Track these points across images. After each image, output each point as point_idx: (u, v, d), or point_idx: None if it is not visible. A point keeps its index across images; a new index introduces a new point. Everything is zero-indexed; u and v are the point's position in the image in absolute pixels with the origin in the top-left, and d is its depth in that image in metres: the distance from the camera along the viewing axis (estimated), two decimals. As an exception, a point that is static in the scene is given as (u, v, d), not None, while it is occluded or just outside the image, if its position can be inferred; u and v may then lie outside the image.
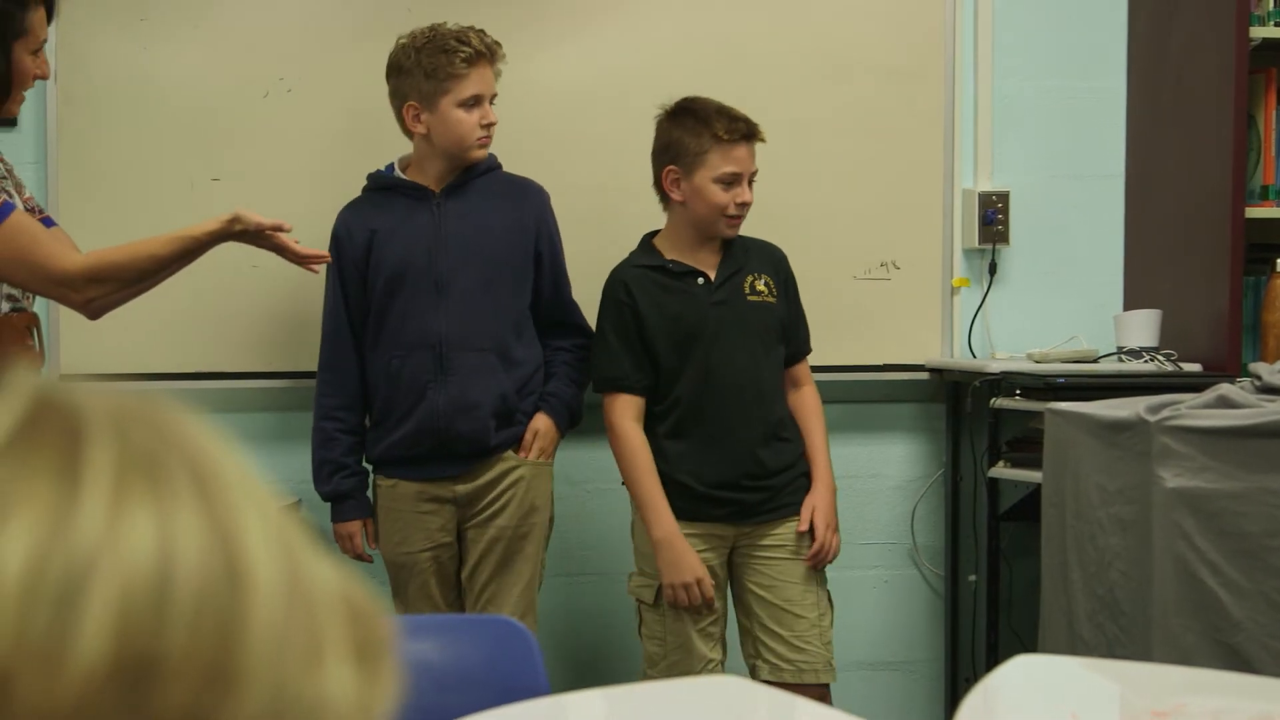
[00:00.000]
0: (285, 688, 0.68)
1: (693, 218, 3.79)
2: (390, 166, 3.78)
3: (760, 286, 3.88)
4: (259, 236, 3.23)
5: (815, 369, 4.04)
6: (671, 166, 3.77)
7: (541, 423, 3.82)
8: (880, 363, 4.50)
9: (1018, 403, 4.13)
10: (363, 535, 3.78)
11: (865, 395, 4.54)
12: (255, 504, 0.70)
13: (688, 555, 3.73)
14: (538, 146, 4.14)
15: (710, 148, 3.73)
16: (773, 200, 4.17)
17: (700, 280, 3.83)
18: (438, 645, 2.49)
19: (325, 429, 3.74)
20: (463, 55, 3.61)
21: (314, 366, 3.93)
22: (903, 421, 4.62)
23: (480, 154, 3.70)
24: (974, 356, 4.55)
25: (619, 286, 3.83)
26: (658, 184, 3.82)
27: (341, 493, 3.74)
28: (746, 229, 3.89)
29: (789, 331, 3.91)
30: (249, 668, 0.67)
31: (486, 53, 3.65)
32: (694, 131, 3.74)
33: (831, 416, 4.07)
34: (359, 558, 3.79)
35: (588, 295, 3.92)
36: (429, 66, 3.61)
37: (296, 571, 0.71)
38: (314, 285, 3.92)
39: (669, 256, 3.83)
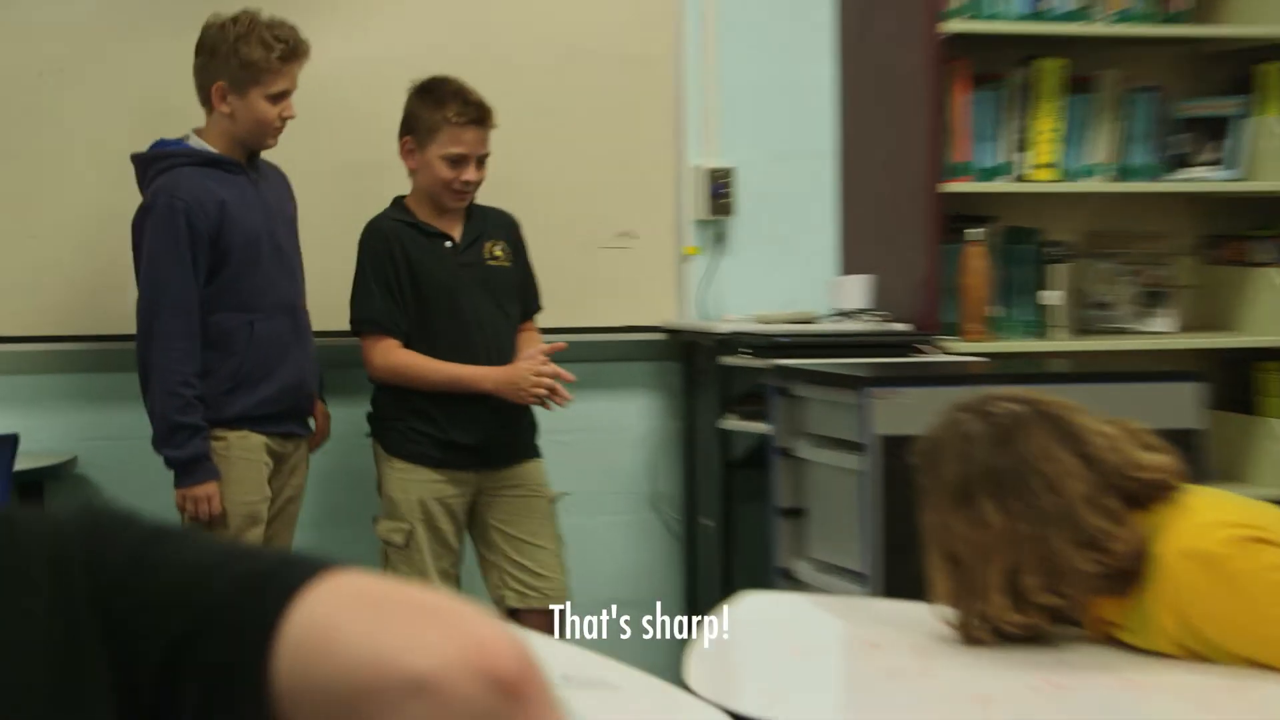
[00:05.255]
0: None
1: (424, 186, 3.84)
2: (184, 139, 3.69)
3: (498, 252, 3.91)
4: None
5: (563, 331, 4.05)
6: (407, 137, 3.82)
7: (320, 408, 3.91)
8: (620, 324, 4.49)
9: (745, 360, 4.10)
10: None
11: (607, 355, 4.50)
12: None
13: (516, 376, 3.76)
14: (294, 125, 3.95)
15: (442, 127, 3.77)
16: (522, 176, 4.18)
17: (447, 243, 3.86)
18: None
19: (184, 395, 3.53)
20: (279, 52, 3.57)
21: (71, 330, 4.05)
22: (642, 378, 4.58)
23: (273, 143, 3.69)
24: (705, 318, 4.52)
25: (376, 235, 3.84)
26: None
27: (203, 454, 3.57)
28: (494, 201, 3.93)
29: (523, 292, 3.96)
30: None
31: (300, 52, 3.63)
32: (430, 109, 3.78)
33: (576, 374, 4.03)
34: (212, 518, 3.59)
35: (339, 266, 3.89)
36: (246, 56, 3.56)
37: None
38: (99, 250, 3.97)
39: (420, 218, 3.86)
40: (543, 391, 3.76)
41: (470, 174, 3.77)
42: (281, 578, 0.84)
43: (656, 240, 4.52)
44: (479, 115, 3.78)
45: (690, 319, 4.53)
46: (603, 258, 4.45)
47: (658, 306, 4.53)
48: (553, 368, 3.76)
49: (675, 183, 4.53)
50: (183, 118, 3.75)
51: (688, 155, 4.55)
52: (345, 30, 4.28)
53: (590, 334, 4.39)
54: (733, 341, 4.17)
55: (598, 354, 4.45)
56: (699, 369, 4.43)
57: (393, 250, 3.79)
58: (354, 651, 0.80)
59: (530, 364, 3.75)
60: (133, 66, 4.12)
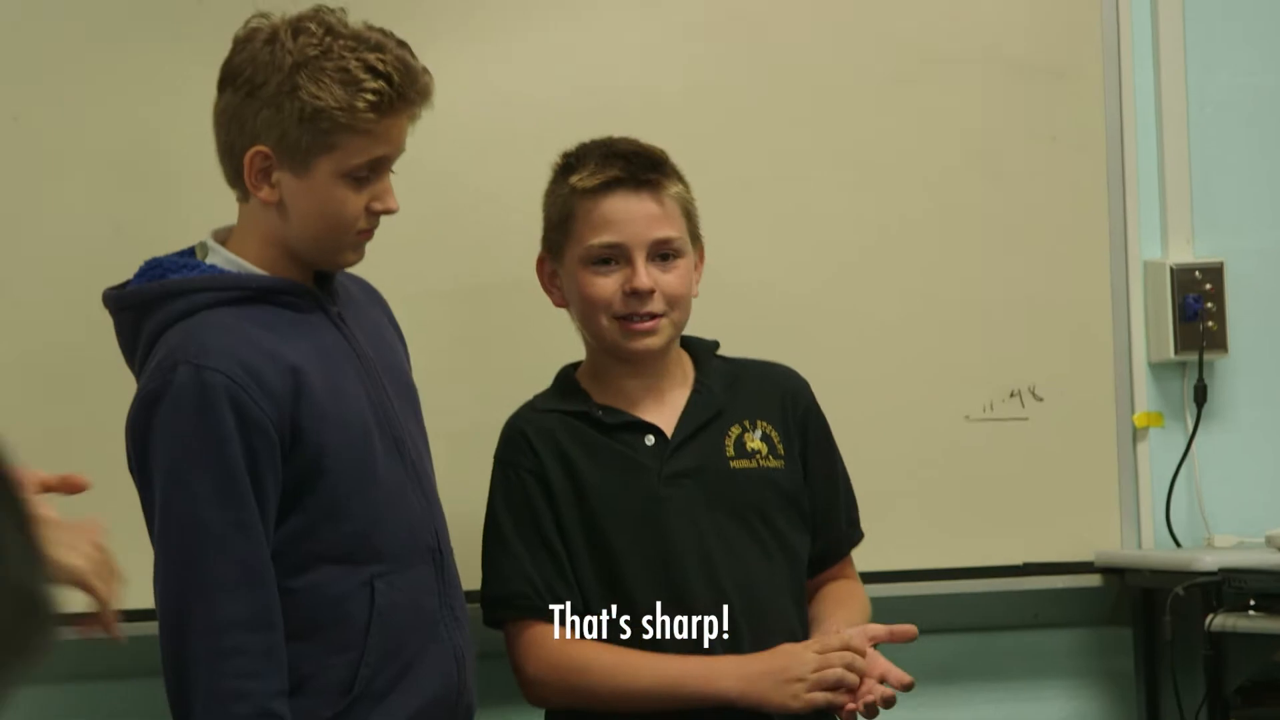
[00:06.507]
0: None
1: (590, 337, 3.19)
2: (196, 254, 2.80)
3: (754, 443, 3.19)
4: None
5: (907, 575, 3.47)
6: (544, 255, 3.19)
7: None
8: (1017, 561, 3.64)
9: (1255, 622, 3.50)
10: None
11: (994, 619, 3.69)
12: None
13: (780, 664, 3.06)
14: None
15: (573, 209, 3.08)
16: (816, 295, 3.58)
17: (649, 438, 3.13)
18: None
19: None
20: (372, 93, 2.69)
21: None
22: (1061, 661, 3.76)
23: (354, 258, 2.88)
24: (1176, 545, 3.74)
25: (518, 446, 3.11)
26: None
27: None
28: (758, 344, 3.23)
29: (817, 513, 3.19)
30: None
31: (413, 94, 2.73)
32: (557, 189, 3.12)
33: (938, 656, 3.49)
34: None
35: (478, 459, 3.16)
36: (313, 103, 2.70)
37: None
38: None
39: (600, 400, 3.15)
40: (835, 677, 3.03)
41: (640, 278, 3.13)
42: None
43: (1080, 403, 3.74)
44: (630, 171, 3.07)
45: (1148, 548, 3.79)
46: (979, 438, 3.68)
47: (1086, 525, 3.74)
48: (870, 652, 3.03)
49: (1112, 294, 3.75)
50: (192, 211, 3.06)
51: (1134, 243, 3.78)
52: (489, 50, 3.57)
53: (960, 580, 3.61)
54: (1229, 587, 3.54)
55: (977, 618, 3.70)
56: (1166, 639, 3.64)
57: (546, 471, 3.14)
58: None
59: (815, 642, 3.03)
60: (95, 114, 3.33)
